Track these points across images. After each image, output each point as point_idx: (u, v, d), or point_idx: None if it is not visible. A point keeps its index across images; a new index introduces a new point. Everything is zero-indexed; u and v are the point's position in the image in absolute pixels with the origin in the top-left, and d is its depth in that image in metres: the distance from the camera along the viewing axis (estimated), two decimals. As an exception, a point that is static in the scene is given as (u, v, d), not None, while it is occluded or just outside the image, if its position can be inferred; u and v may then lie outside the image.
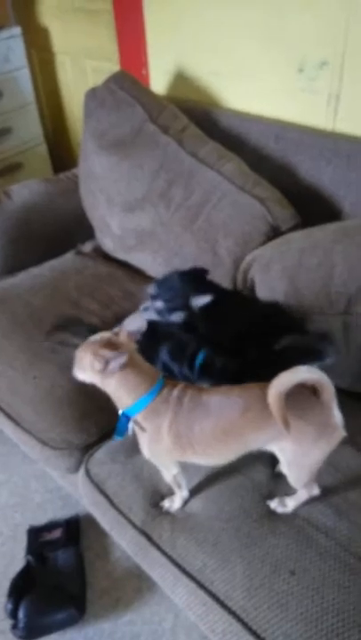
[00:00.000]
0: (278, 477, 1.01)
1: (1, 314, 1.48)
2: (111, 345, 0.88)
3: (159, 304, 1.20)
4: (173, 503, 1.02)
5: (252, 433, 0.88)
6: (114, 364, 0.85)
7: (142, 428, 0.91)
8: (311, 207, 1.37)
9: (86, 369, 0.89)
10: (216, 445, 0.90)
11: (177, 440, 0.89)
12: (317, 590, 0.86)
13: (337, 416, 0.86)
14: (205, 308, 1.16)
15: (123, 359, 0.85)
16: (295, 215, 1.32)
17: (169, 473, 0.99)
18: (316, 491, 0.97)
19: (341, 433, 0.87)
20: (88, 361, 0.88)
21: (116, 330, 0.93)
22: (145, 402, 0.88)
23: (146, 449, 0.94)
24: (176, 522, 0.99)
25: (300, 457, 0.89)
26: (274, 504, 0.98)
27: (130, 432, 0.92)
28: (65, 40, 2.45)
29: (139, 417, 0.90)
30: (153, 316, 1.21)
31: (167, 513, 1.02)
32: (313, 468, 0.90)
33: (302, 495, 0.96)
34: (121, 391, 0.89)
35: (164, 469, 1.00)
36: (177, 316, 1.17)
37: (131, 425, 0.92)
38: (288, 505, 0.97)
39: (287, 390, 0.79)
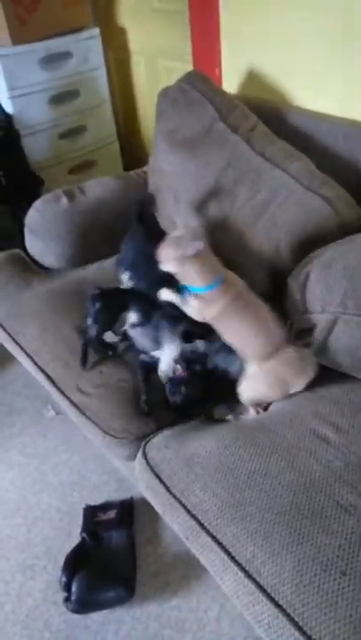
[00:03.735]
0: (335, 475, 1.01)
1: (71, 306, 1.55)
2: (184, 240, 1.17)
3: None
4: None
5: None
6: (190, 250, 1.13)
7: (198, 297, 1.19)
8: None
9: (168, 259, 1.17)
10: (243, 335, 1.19)
11: (222, 315, 1.18)
12: (368, 594, 0.86)
13: None
14: None
15: (198, 245, 1.14)
16: (364, 216, 1.30)
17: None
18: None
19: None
20: (171, 251, 1.15)
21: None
22: (206, 289, 1.17)
23: (196, 308, 1.21)
24: (227, 509, 1.01)
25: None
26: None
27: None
28: (141, 40, 2.52)
29: (202, 295, 1.18)
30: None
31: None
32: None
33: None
34: (192, 274, 1.17)
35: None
36: None
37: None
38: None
39: None
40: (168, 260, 1.17)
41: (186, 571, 1.40)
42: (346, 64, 1.48)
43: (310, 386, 1.21)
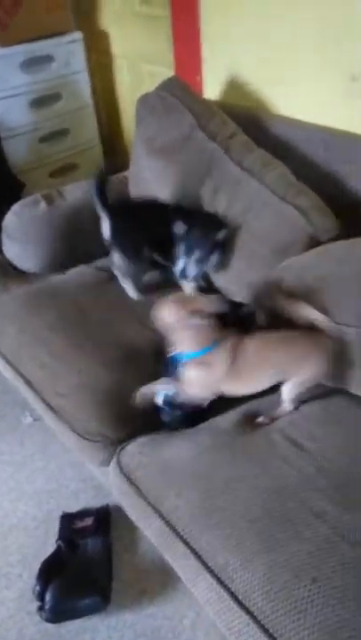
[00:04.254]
0: (308, 481, 1.02)
1: (50, 309, 1.54)
2: (194, 304, 1.11)
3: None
4: None
5: (285, 360, 1.17)
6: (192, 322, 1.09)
7: (202, 365, 1.13)
8: (358, 218, 1.36)
9: (165, 319, 1.10)
10: (257, 371, 1.17)
11: (229, 374, 1.13)
12: (339, 600, 0.86)
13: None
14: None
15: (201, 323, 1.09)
16: (337, 226, 1.30)
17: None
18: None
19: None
20: (174, 313, 1.09)
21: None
22: (209, 349, 1.11)
23: (196, 384, 1.16)
24: (201, 516, 1.01)
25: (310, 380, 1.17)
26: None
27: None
28: (124, 45, 2.52)
29: (201, 358, 1.12)
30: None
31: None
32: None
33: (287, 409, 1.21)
34: (192, 339, 1.11)
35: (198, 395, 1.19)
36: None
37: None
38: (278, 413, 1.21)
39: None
40: (169, 321, 1.10)
41: (162, 578, 1.39)
42: (327, 71, 1.49)
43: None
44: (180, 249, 1.49)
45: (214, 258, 1.46)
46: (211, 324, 1.11)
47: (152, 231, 1.53)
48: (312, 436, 1.13)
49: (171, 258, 1.53)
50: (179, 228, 1.46)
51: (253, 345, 1.15)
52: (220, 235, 1.43)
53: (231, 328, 1.17)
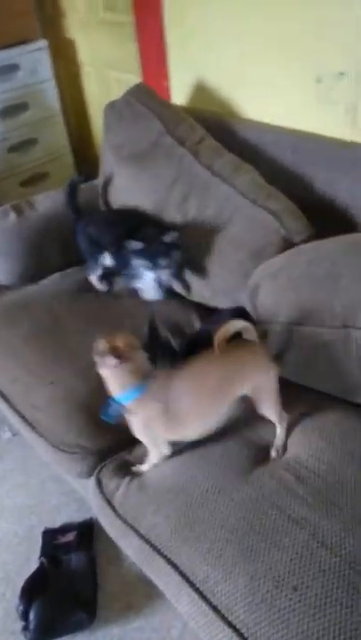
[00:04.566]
0: (286, 489, 1.02)
1: (23, 320, 1.52)
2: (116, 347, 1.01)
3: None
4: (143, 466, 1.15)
5: (231, 380, 1.08)
6: (108, 362, 1.00)
7: (135, 414, 1.05)
8: (327, 219, 1.37)
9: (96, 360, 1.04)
10: (204, 406, 1.08)
11: (170, 420, 1.05)
12: (320, 608, 0.86)
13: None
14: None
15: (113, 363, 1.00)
16: (308, 227, 1.31)
17: (159, 453, 1.11)
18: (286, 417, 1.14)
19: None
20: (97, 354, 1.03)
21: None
22: (135, 394, 1.02)
23: (140, 432, 1.09)
24: (180, 530, 1.00)
25: (273, 385, 1.09)
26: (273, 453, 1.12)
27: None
28: (90, 52, 2.50)
29: (131, 405, 1.03)
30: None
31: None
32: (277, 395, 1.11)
33: (283, 427, 1.14)
34: (115, 382, 1.03)
35: (155, 450, 1.11)
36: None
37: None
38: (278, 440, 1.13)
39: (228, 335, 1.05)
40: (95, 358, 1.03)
41: (148, 590, 1.37)
42: (293, 74, 1.49)
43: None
44: (142, 264, 1.46)
45: (175, 255, 1.44)
46: (133, 365, 1.01)
47: (109, 243, 1.57)
48: (291, 442, 1.13)
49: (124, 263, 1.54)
50: (134, 245, 1.44)
51: (186, 375, 1.07)
52: (168, 238, 1.42)
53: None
